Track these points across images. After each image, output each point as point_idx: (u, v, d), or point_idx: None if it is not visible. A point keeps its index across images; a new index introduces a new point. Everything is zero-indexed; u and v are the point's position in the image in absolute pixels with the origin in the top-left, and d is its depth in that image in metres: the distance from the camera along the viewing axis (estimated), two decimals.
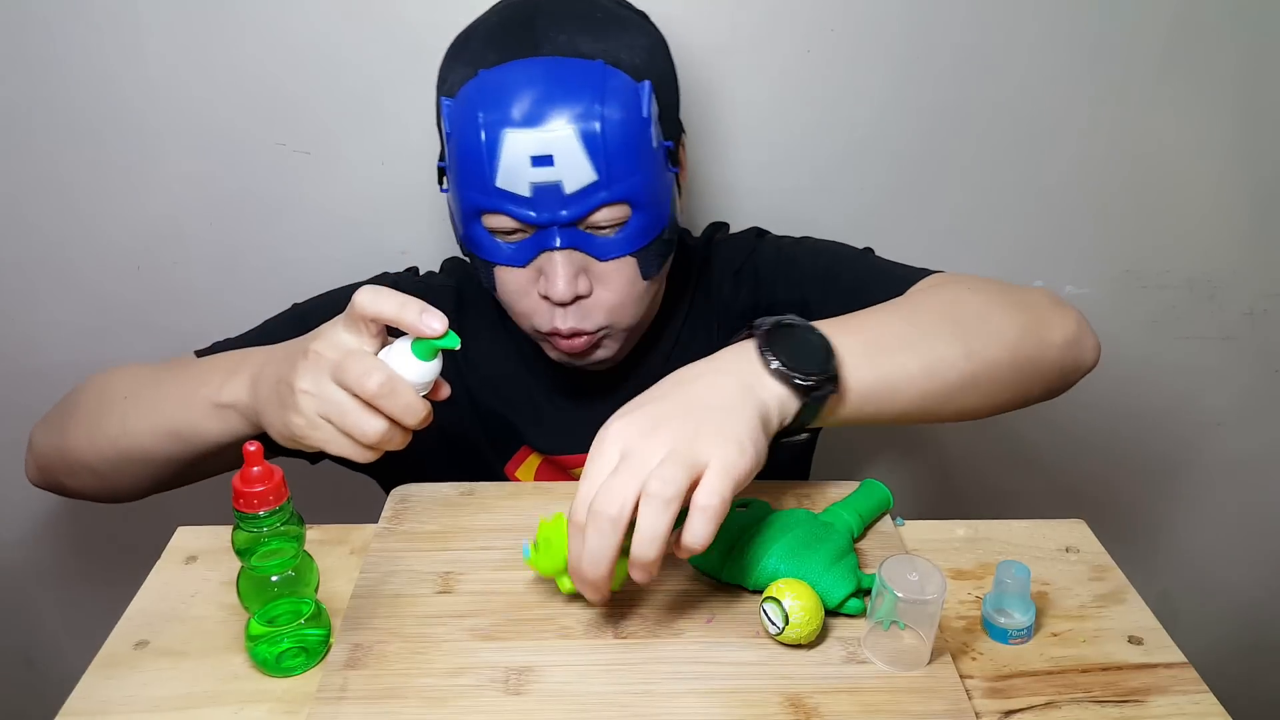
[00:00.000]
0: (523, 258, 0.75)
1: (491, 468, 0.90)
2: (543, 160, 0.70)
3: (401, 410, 0.61)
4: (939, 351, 0.67)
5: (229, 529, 0.60)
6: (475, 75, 0.72)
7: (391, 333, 0.64)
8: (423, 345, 0.62)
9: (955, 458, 1.28)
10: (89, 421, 0.77)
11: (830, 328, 0.65)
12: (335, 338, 0.63)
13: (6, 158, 1.02)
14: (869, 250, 0.90)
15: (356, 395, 0.61)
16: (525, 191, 0.71)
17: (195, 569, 0.68)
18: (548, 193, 0.71)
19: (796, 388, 0.61)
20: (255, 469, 0.55)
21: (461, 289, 0.90)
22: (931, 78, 1.04)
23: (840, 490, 0.74)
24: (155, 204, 1.05)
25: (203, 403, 0.70)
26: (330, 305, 0.87)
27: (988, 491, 1.30)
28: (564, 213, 0.72)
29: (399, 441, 0.63)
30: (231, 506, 0.56)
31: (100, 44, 0.97)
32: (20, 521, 1.22)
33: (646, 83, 0.73)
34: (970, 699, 0.57)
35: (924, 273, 0.81)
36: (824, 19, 1.00)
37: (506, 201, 0.72)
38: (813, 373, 0.61)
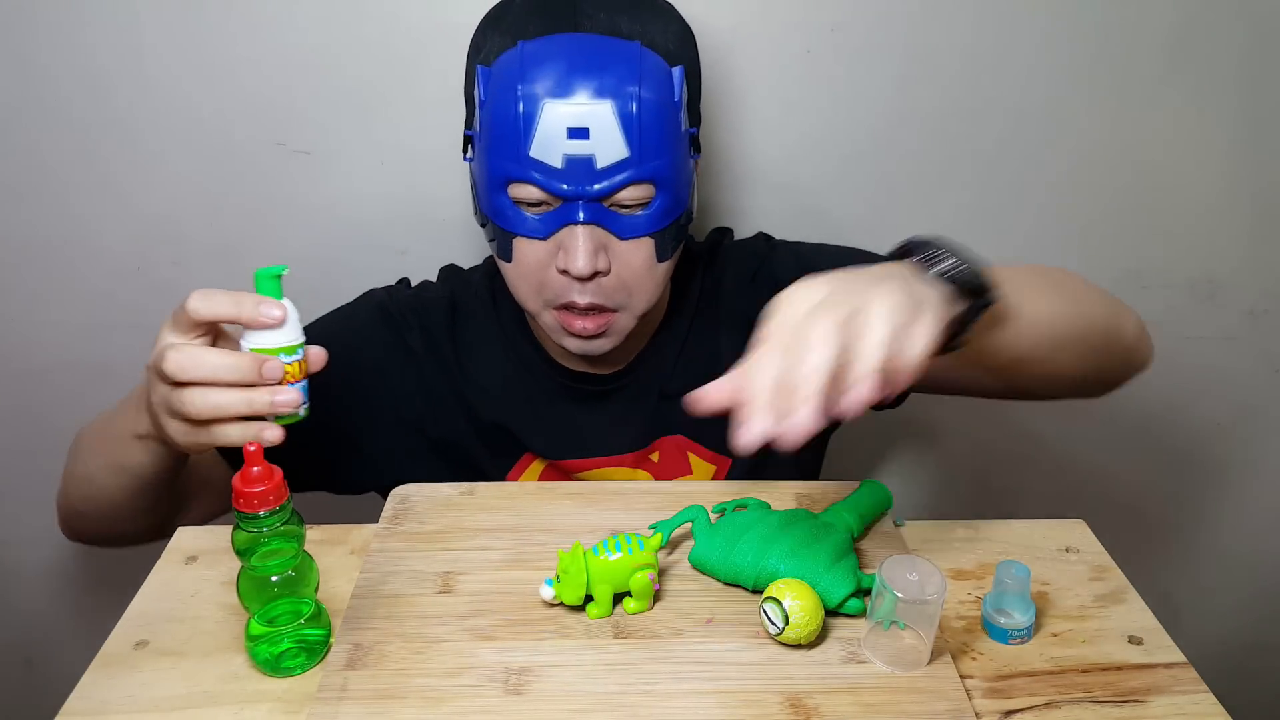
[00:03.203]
0: (545, 230, 0.75)
1: (492, 478, 0.89)
2: (578, 133, 0.71)
3: (211, 371, 0.59)
4: (1057, 306, 0.72)
5: (229, 529, 0.60)
6: (514, 45, 0.74)
7: None
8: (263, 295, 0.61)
9: (956, 458, 1.28)
10: (68, 474, 0.80)
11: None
12: (158, 343, 0.63)
13: (5, 158, 1.02)
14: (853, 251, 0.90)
15: (176, 382, 0.60)
16: (558, 163, 0.72)
17: (195, 569, 0.68)
18: (579, 165, 0.72)
19: (967, 290, 0.60)
20: (255, 469, 0.55)
21: (456, 299, 0.89)
22: (931, 78, 1.04)
23: (840, 490, 0.74)
24: (155, 203, 1.05)
25: (128, 436, 0.71)
26: (330, 325, 0.87)
27: (988, 491, 1.30)
28: (593, 187, 0.73)
29: (255, 404, 0.60)
30: (231, 506, 0.56)
31: (100, 43, 0.97)
32: (20, 521, 1.22)
33: (680, 67, 0.75)
34: (970, 699, 0.57)
35: None
36: (824, 19, 1.00)
37: (538, 171, 0.73)
38: (983, 284, 0.61)
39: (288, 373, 0.61)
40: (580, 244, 0.73)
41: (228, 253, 1.08)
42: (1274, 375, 1.23)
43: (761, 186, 1.08)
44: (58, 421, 1.16)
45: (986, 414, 1.22)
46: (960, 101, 1.05)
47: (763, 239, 0.94)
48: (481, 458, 0.89)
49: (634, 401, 0.88)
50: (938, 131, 1.07)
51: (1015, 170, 1.09)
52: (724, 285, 0.90)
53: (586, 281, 0.75)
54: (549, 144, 0.72)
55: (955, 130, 1.07)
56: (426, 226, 1.07)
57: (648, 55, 0.74)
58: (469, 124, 0.79)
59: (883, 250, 0.91)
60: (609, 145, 0.72)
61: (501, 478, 0.89)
